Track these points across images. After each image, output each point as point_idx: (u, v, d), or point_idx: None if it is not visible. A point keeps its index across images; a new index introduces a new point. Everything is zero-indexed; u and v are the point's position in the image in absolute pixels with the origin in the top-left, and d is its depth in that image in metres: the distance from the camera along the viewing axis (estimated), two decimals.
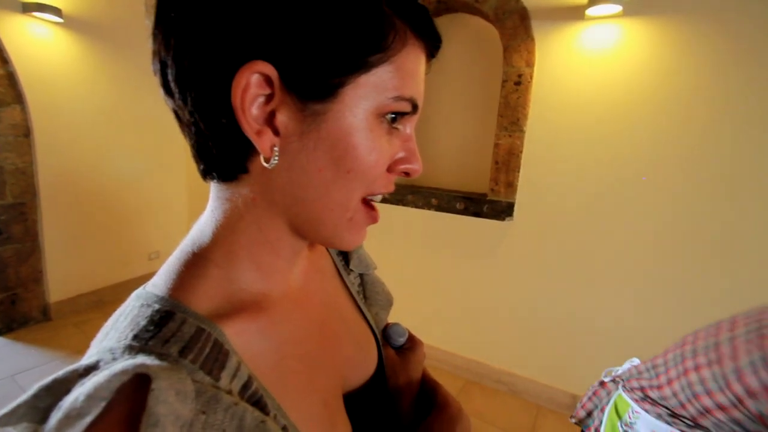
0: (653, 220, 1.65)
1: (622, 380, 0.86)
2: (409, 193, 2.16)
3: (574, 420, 0.96)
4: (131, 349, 0.24)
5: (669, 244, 1.63)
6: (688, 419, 0.71)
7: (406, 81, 0.28)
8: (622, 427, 0.80)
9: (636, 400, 0.80)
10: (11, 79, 2.08)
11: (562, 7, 1.71)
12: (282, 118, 0.27)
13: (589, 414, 0.93)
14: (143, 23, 2.64)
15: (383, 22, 0.27)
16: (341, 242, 0.32)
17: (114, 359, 0.23)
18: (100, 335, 0.27)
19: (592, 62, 1.68)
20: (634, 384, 0.82)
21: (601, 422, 0.86)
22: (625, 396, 0.83)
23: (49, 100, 2.25)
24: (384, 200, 2.22)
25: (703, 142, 1.53)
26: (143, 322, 0.25)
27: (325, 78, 0.26)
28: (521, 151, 1.89)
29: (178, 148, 3.04)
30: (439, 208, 2.09)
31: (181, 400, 0.21)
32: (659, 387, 0.76)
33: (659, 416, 0.75)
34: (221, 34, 0.25)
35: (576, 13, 1.68)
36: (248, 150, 0.28)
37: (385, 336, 0.47)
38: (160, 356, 0.23)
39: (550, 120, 1.81)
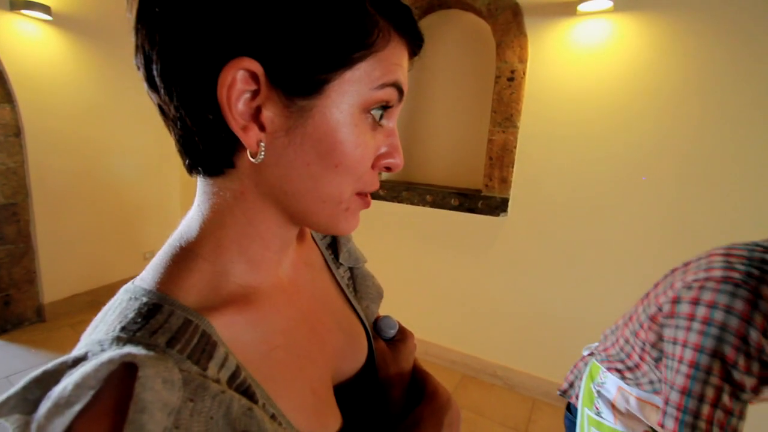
0: (647, 213, 1.67)
1: (597, 351, 0.95)
2: (404, 190, 2.17)
3: (559, 392, 1.04)
4: (119, 341, 0.24)
5: (662, 237, 1.65)
6: (633, 368, 0.82)
7: (390, 69, 0.29)
8: (594, 387, 0.90)
9: (603, 362, 0.90)
10: (0, 78, 2.06)
11: (554, 2, 1.71)
12: (268, 114, 0.27)
13: (571, 385, 1.01)
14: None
15: (366, 20, 0.27)
16: (336, 229, 0.33)
17: (102, 350, 0.23)
18: (89, 328, 0.27)
19: (584, 57, 1.69)
20: (601, 348, 0.93)
21: (580, 389, 0.95)
22: (597, 362, 0.93)
23: (40, 98, 2.23)
24: (379, 197, 2.23)
25: (695, 135, 1.55)
26: (131, 315, 0.26)
27: (311, 74, 0.26)
28: (515, 147, 1.89)
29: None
30: (434, 205, 2.09)
31: (168, 388, 0.22)
32: (617, 340, 0.87)
33: (622, 377, 0.85)
34: (208, 30, 0.25)
35: (568, 9, 1.68)
36: (234, 145, 0.28)
37: (376, 328, 0.48)
38: (148, 346, 0.24)
39: (544, 115, 1.82)
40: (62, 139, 2.37)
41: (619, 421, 0.84)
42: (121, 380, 0.21)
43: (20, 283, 2.29)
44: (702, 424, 0.61)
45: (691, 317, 0.66)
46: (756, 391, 0.62)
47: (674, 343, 0.68)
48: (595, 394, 0.90)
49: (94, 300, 2.65)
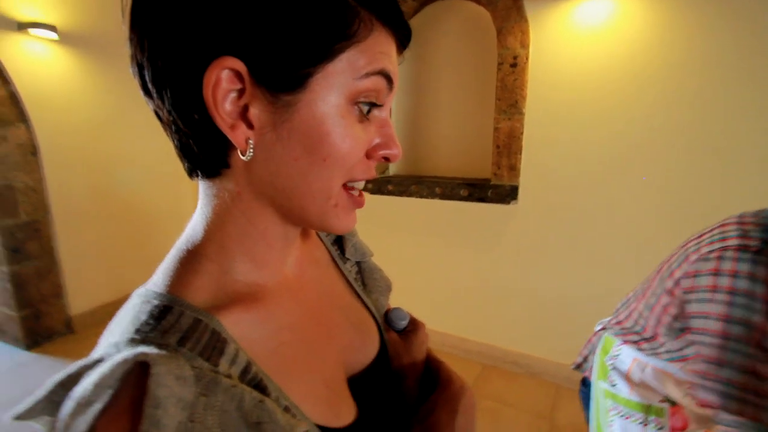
0: (659, 191, 1.63)
1: (609, 325, 0.96)
2: (413, 184, 2.16)
3: (573, 366, 1.05)
4: (133, 342, 0.25)
5: (675, 213, 1.61)
6: (649, 339, 0.82)
7: (376, 57, 0.29)
8: (608, 360, 0.91)
9: (618, 335, 0.90)
10: (13, 98, 2.12)
11: None
12: (255, 111, 0.27)
13: (585, 359, 1.01)
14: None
15: (346, 11, 0.27)
16: (329, 227, 0.33)
17: (118, 352, 0.24)
18: (106, 332, 0.28)
19: (587, 39, 1.66)
20: (613, 322, 0.93)
21: (594, 363, 0.96)
22: (610, 336, 0.93)
23: (53, 116, 2.29)
24: (388, 192, 2.23)
25: (701, 110, 1.51)
26: (143, 317, 0.27)
27: (293, 69, 0.26)
28: (522, 134, 1.87)
29: None
30: (444, 196, 2.08)
31: (181, 384, 0.23)
32: (630, 313, 0.87)
33: (638, 349, 0.85)
34: (190, 32, 0.25)
35: None
36: (227, 145, 0.29)
37: (387, 320, 0.48)
38: (160, 346, 0.24)
39: (549, 100, 1.79)
40: (77, 155, 2.44)
41: (634, 392, 0.85)
42: (136, 379, 0.22)
43: (48, 298, 2.37)
44: (740, 393, 0.61)
45: (714, 289, 0.65)
46: None
47: (701, 317, 0.67)
48: (609, 367, 0.90)
49: (120, 308, 2.72)
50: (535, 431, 1.69)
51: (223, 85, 0.26)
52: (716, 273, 0.65)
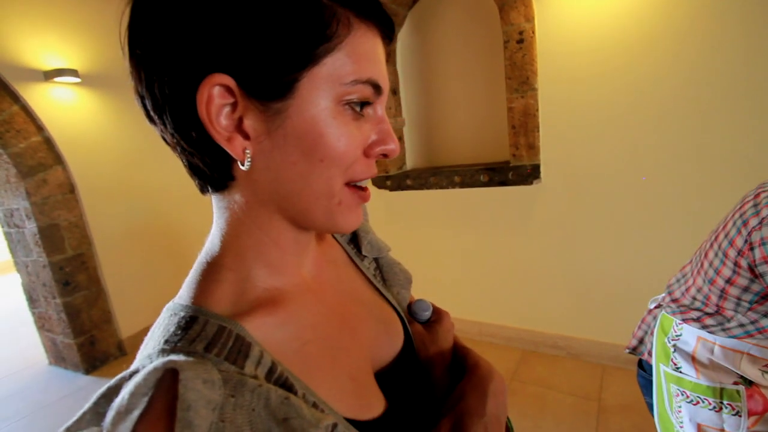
0: (687, 152, 1.54)
1: (664, 303, 0.88)
2: (431, 176, 2.15)
3: (627, 350, 0.98)
4: (164, 352, 0.27)
5: (705, 174, 1.52)
6: (714, 314, 0.76)
7: (361, 64, 0.29)
8: (669, 342, 0.84)
9: (675, 314, 0.83)
10: (48, 143, 2.27)
11: None
12: (249, 122, 0.29)
13: (641, 341, 0.94)
14: None
15: (323, 13, 0.27)
16: (337, 227, 0.33)
17: (150, 363, 0.26)
18: (142, 346, 0.30)
19: (593, 3, 1.59)
20: (669, 300, 0.86)
21: (652, 345, 0.88)
22: (668, 314, 0.85)
23: (85, 154, 2.44)
24: (407, 187, 2.22)
25: (722, 64, 1.41)
26: (172, 329, 0.28)
27: (278, 77, 0.27)
28: (537, 110, 1.82)
29: None
30: (464, 185, 2.06)
31: (209, 387, 0.24)
32: (687, 290, 0.81)
33: (702, 326, 0.78)
34: (179, 56, 0.27)
35: None
36: (228, 157, 0.30)
37: (410, 313, 0.48)
38: (188, 354, 0.26)
39: (562, 70, 1.73)
40: (112, 188, 2.58)
41: (703, 375, 0.77)
42: (168, 385, 0.24)
43: (100, 324, 2.52)
44: None
45: None
46: None
47: None
48: (671, 349, 0.83)
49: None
50: (583, 413, 1.65)
51: (216, 100, 0.27)
52: None
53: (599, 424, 1.58)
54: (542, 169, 1.87)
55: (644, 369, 0.94)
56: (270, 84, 0.27)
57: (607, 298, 1.86)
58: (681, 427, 0.82)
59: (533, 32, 1.74)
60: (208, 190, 0.33)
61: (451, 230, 2.24)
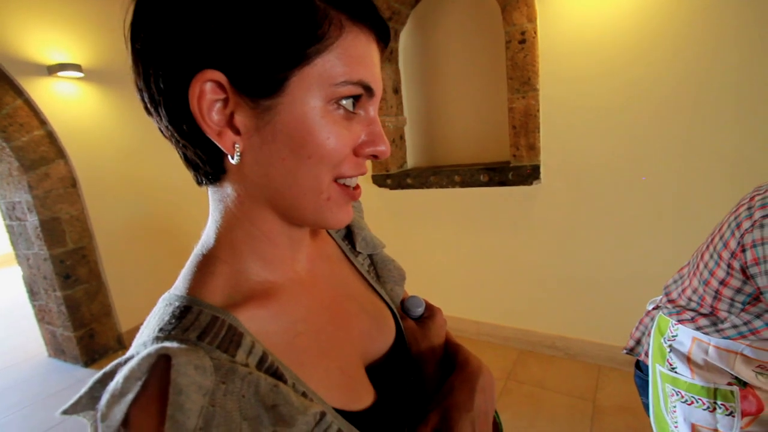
0: (688, 151, 1.55)
1: (662, 303, 0.89)
2: (432, 175, 2.15)
3: (625, 350, 0.99)
4: (158, 340, 0.28)
5: (705, 173, 1.52)
6: (708, 314, 0.77)
7: (352, 66, 0.30)
8: (665, 342, 0.85)
9: (672, 314, 0.85)
10: (51, 137, 2.28)
11: None
12: (239, 118, 0.29)
13: (638, 342, 0.95)
14: None
15: (315, 14, 0.28)
16: (326, 222, 0.34)
17: (145, 349, 0.27)
18: (138, 334, 0.31)
19: (595, 3, 1.59)
20: (665, 300, 0.87)
21: (649, 345, 0.89)
22: (664, 315, 0.87)
23: (87, 149, 2.45)
24: (407, 185, 2.23)
25: (722, 65, 1.41)
26: (167, 318, 0.29)
27: (269, 75, 0.28)
28: (538, 111, 1.82)
29: None
30: (464, 184, 2.06)
31: (201, 373, 0.25)
32: (683, 291, 0.82)
33: (697, 327, 0.79)
34: (173, 51, 0.28)
35: None
36: (220, 151, 0.31)
37: (403, 309, 0.49)
38: (181, 341, 0.27)
39: (563, 70, 1.73)
40: (114, 182, 2.60)
41: (698, 375, 0.78)
42: (161, 370, 0.25)
43: (100, 317, 2.54)
44: None
45: None
46: None
47: None
48: (667, 349, 0.84)
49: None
50: (578, 413, 1.65)
51: (207, 96, 0.28)
52: None
53: (594, 424, 1.59)
54: (542, 169, 1.87)
55: (641, 370, 0.95)
56: (260, 81, 0.28)
57: (605, 299, 1.86)
58: (675, 427, 0.82)
59: (535, 33, 1.74)
60: (203, 182, 0.34)
61: (450, 229, 2.25)
